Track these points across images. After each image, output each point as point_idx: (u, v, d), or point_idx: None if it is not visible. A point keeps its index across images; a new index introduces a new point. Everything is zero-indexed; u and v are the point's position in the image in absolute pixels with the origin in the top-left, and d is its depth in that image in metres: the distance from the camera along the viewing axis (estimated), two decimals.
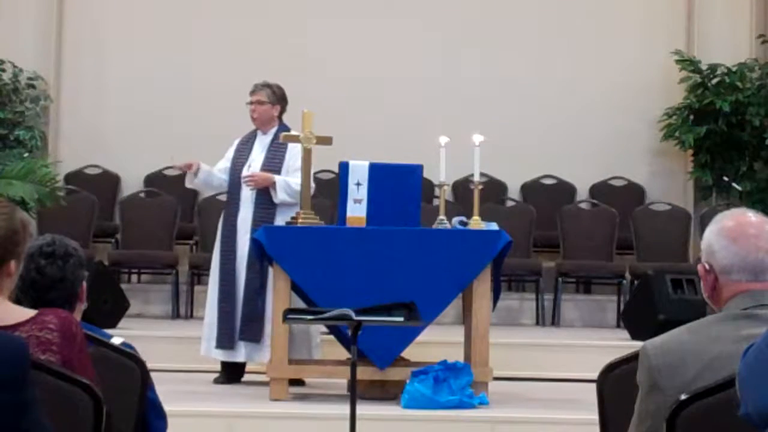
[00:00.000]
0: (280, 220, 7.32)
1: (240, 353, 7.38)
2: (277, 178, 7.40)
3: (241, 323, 7.35)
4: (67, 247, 3.46)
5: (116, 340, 3.50)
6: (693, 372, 2.72)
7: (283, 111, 7.70)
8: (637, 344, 3.03)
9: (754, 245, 2.81)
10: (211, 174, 7.65)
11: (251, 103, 7.66)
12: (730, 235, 2.82)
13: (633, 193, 11.06)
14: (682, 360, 2.74)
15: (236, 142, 7.74)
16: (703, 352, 2.73)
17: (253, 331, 7.31)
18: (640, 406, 2.83)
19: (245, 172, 7.51)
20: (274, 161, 7.50)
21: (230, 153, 7.68)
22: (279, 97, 7.68)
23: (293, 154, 7.48)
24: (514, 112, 10.95)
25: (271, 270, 6.92)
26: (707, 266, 2.86)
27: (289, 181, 7.40)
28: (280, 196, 7.38)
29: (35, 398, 2.52)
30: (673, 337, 2.81)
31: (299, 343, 7.23)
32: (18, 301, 3.16)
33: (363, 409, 5.49)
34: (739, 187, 10.67)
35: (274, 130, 7.62)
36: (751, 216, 2.86)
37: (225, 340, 7.37)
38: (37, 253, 3.39)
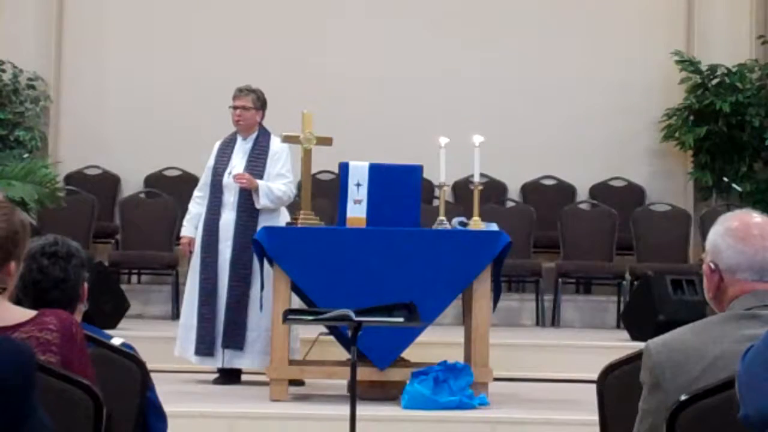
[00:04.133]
0: (263, 225, 7.27)
1: (218, 359, 7.35)
2: (260, 183, 7.38)
3: (224, 330, 7.32)
4: (69, 247, 3.45)
5: (116, 341, 3.50)
6: (696, 371, 2.73)
7: (263, 116, 7.68)
8: (637, 345, 3.04)
9: (761, 245, 2.82)
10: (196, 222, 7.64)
11: (235, 107, 7.61)
12: (737, 234, 2.83)
13: (633, 193, 11.06)
14: (685, 359, 2.75)
15: (216, 145, 7.69)
16: (706, 352, 2.74)
17: (235, 339, 7.30)
18: (642, 404, 2.83)
19: (226, 178, 7.48)
20: (255, 168, 7.46)
21: (212, 161, 7.64)
22: (263, 103, 7.65)
23: (274, 160, 7.48)
24: (514, 112, 10.95)
25: (269, 272, 6.90)
26: (712, 266, 2.87)
27: (271, 186, 7.39)
28: (262, 201, 7.37)
29: (38, 403, 2.52)
30: (676, 336, 2.81)
31: None
32: (19, 301, 3.16)
33: (363, 409, 5.49)
34: (739, 188, 10.67)
35: (254, 135, 7.59)
36: (756, 217, 2.87)
37: (203, 347, 7.34)
38: (39, 253, 3.39)
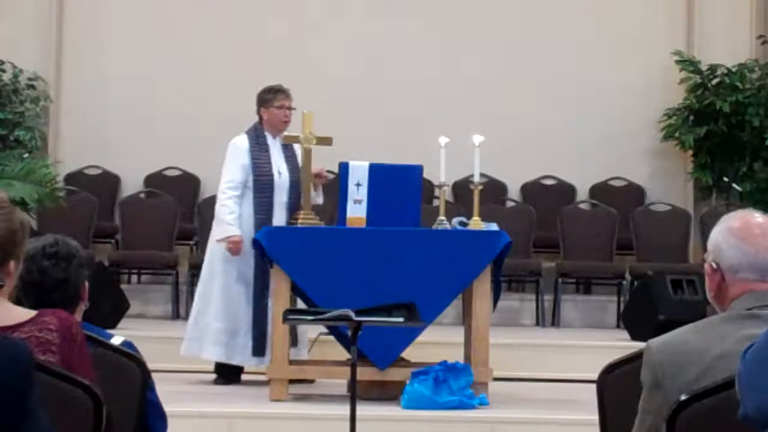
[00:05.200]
0: None
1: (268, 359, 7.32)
2: None
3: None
4: (69, 247, 3.45)
5: (116, 340, 3.50)
6: (696, 371, 2.73)
7: None
8: (637, 345, 3.04)
9: (763, 245, 2.83)
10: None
11: (282, 107, 7.53)
12: (739, 234, 2.85)
13: (633, 193, 11.06)
14: (685, 358, 2.75)
15: (243, 144, 7.51)
16: (706, 351, 2.74)
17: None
18: (643, 404, 2.84)
19: (278, 178, 7.40)
20: (296, 166, 7.46)
21: (246, 160, 7.44)
22: None
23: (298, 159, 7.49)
24: (514, 112, 10.95)
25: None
26: (714, 265, 2.87)
27: None
28: (321, 198, 7.41)
29: (37, 404, 2.51)
30: (677, 335, 2.82)
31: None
32: (19, 301, 3.16)
33: (363, 409, 5.48)
34: (739, 188, 10.67)
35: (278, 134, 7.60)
36: (757, 217, 2.89)
37: (260, 347, 7.26)
38: (39, 254, 3.38)
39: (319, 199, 7.47)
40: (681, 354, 2.76)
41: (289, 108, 7.55)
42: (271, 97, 7.56)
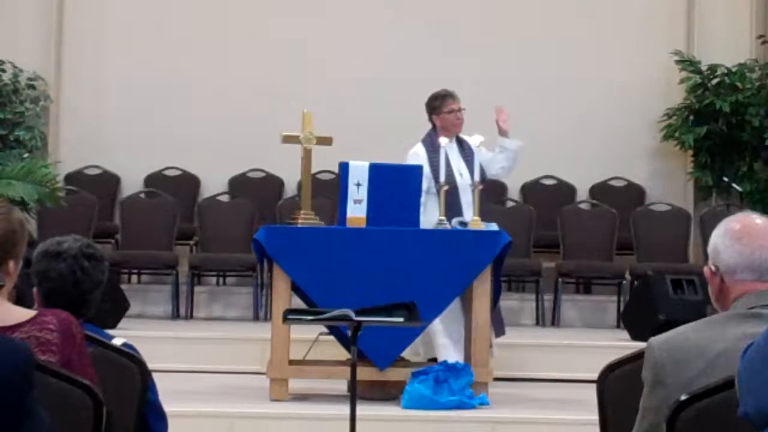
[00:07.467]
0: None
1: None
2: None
3: None
4: (97, 250, 3.54)
5: (117, 341, 3.50)
6: (697, 368, 2.74)
7: None
8: (637, 345, 3.04)
9: (759, 245, 2.84)
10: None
11: (455, 110, 7.59)
12: (735, 235, 2.86)
13: (633, 193, 11.06)
14: (686, 356, 2.76)
15: (423, 155, 7.48)
16: (707, 349, 2.76)
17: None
18: (644, 401, 2.85)
19: (459, 179, 7.46)
20: (471, 163, 7.43)
21: (426, 168, 7.38)
22: None
23: (481, 153, 7.49)
24: (514, 112, 10.90)
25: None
26: (713, 268, 2.89)
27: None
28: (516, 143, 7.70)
29: (37, 403, 2.51)
30: (678, 333, 2.83)
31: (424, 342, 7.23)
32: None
33: (363, 409, 5.49)
34: (739, 188, 10.67)
35: (453, 136, 7.62)
36: (757, 219, 2.90)
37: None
38: (80, 254, 3.43)
39: (512, 145, 7.70)
40: (682, 351, 2.77)
41: (459, 110, 7.59)
42: (439, 103, 7.64)
